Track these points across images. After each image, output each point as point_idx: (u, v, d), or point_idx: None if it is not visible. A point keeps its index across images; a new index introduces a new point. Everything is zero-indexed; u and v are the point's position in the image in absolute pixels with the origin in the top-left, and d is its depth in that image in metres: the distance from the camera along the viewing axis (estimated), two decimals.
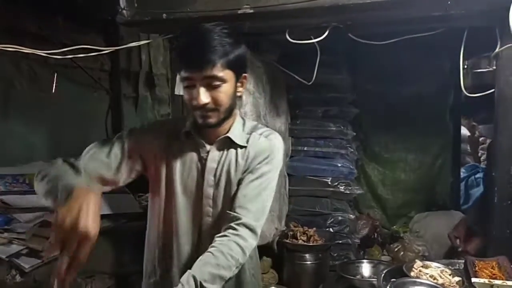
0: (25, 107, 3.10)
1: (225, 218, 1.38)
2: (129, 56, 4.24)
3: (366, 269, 2.41)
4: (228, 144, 1.42)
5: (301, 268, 2.60)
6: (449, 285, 1.64)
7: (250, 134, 1.45)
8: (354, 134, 2.93)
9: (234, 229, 1.31)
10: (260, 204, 1.38)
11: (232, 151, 1.43)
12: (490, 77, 2.87)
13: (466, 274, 1.75)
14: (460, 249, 2.52)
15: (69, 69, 3.53)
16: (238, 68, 1.34)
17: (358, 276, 2.28)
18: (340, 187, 2.83)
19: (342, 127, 2.85)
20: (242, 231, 1.31)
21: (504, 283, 1.61)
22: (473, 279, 1.65)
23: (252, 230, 1.33)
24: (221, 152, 1.43)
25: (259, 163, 1.41)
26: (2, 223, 2.29)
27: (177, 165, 1.43)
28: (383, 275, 1.72)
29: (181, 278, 1.22)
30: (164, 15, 1.87)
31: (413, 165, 3.33)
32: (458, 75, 3.48)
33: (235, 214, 1.34)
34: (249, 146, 1.42)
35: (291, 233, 2.69)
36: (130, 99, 4.44)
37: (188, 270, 1.23)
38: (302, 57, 2.50)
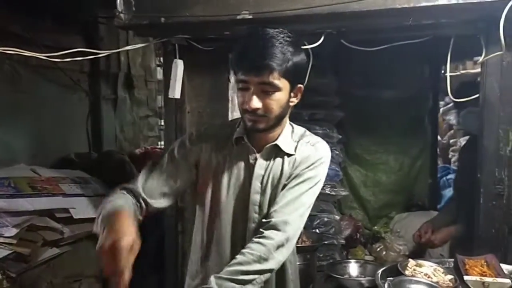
0: (5, 108, 3.03)
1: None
2: (108, 57, 4.19)
3: (353, 268, 2.47)
4: (276, 151, 1.45)
5: None
6: (443, 283, 1.71)
7: (298, 141, 1.46)
8: (340, 137, 2.99)
9: (261, 232, 1.35)
10: (296, 207, 1.39)
11: (280, 158, 1.45)
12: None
13: (457, 272, 1.82)
14: (423, 242, 2.56)
15: (49, 70, 3.47)
16: (295, 77, 1.35)
17: (346, 276, 2.34)
18: (326, 189, 2.89)
19: (328, 130, 2.91)
20: (267, 232, 1.34)
21: (495, 280, 1.69)
22: (465, 277, 1.72)
23: (278, 228, 1.34)
24: (269, 159, 1.45)
25: (303, 170, 1.41)
26: None
27: (226, 171, 1.45)
28: (379, 274, 1.77)
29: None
30: (162, 19, 1.88)
31: (393, 167, 3.43)
32: (437, 80, 3.65)
33: (268, 219, 1.37)
34: (296, 154, 1.44)
35: None
36: (109, 101, 4.39)
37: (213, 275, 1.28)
38: None
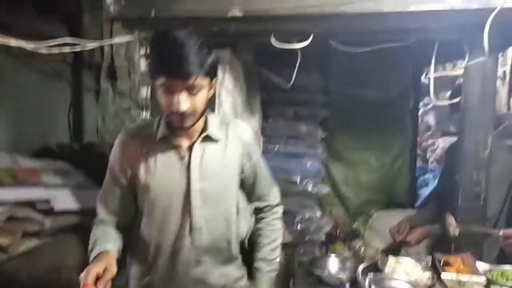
0: None
1: (221, 208, 1.56)
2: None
3: (333, 264, 2.51)
4: (208, 140, 1.53)
5: None
6: (421, 280, 1.76)
7: (226, 126, 1.57)
8: (324, 135, 3.03)
9: (266, 212, 1.72)
10: (268, 179, 1.71)
11: (211, 145, 1.53)
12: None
13: (434, 270, 1.88)
14: (399, 240, 2.61)
15: (31, 59, 3.40)
16: (213, 74, 1.44)
17: (325, 271, 2.38)
18: (308, 186, 2.93)
19: (312, 128, 2.95)
20: (274, 209, 1.73)
21: (470, 278, 1.75)
22: (442, 274, 1.78)
23: (276, 204, 1.74)
24: (202, 148, 1.52)
25: (250, 150, 1.61)
26: None
27: (157, 169, 1.51)
28: (361, 271, 1.81)
29: (254, 265, 1.68)
30: (153, 13, 1.87)
31: (374, 165, 3.48)
32: (418, 81, 3.72)
33: (263, 203, 1.72)
34: (232, 138, 1.57)
35: None
36: (91, 92, 4.33)
37: (257, 256, 1.68)
38: (276, 58, 2.57)
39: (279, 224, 1.74)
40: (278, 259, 1.72)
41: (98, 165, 3.44)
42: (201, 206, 1.52)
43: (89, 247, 1.54)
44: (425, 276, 1.81)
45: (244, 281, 1.71)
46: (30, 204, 2.48)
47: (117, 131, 5.32)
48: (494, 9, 1.72)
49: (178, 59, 1.32)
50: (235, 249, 1.66)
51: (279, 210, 1.75)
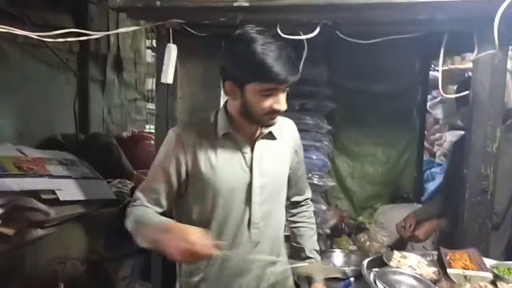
0: None
1: (274, 202, 1.63)
2: (97, 38, 4.12)
3: (337, 258, 2.51)
4: (269, 137, 1.61)
5: None
6: (427, 275, 1.74)
7: (280, 124, 1.62)
8: (330, 128, 3.00)
9: (305, 205, 1.88)
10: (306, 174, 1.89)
11: (270, 142, 1.61)
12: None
13: (440, 265, 1.86)
14: (407, 236, 2.60)
15: (37, 49, 3.41)
16: None
17: (330, 265, 2.37)
18: (314, 179, 2.90)
19: (318, 121, 2.91)
20: (310, 202, 1.90)
21: (477, 274, 1.73)
22: (448, 270, 1.76)
23: (311, 198, 1.91)
24: (264, 145, 1.60)
25: (298, 147, 1.73)
26: None
27: (219, 163, 1.54)
28: (365, 265, 1.80)
29: (306, 253, 1.83)
30: (158, 2, 1.85)
31: (381, 159, 3.44)
32: (426, 74, 3.68)
33: (302, 197, 1.85)
34: (286, 135, 1.67)
35: None
36: (97, 83, 4.34)
37: (306, 247, 1.84)
38: None
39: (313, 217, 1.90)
40: None
41: (103, 156, 3.47)
42: (260, 202, 1.57)
43: (139, 220, 1.51)
44: (431, 271, 1.79)
45: (291, 279, 1.81)
46: (36, 194, 2.50)
47: (123, 122, 5.41)
48: (505, 0, 1.68)
49: (286, 65, 1.39)
50: (283, 243, 1.74)
51: (312, 203, 1.92)
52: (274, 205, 1.63)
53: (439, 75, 2.10)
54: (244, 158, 1.57)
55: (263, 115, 1.47)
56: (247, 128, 1.56)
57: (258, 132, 1.59)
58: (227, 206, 1.55)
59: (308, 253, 1.84)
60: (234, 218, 1.56)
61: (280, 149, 1.64)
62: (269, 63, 1.37)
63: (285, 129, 1.68)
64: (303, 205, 1.87)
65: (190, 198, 1.60)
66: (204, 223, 1.55)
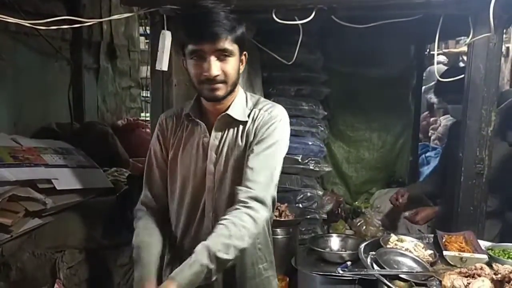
0: None
1: (232, 193, 1.42)
2: (90, 26, 4.08)
3: (334, 242, 2.52)
4: (229, 121, 1.46)
5: (273, 242, 2.67)
6: (423, 257, 1.76)
7: (252, 109, 1.48)
8: (325, 113, 3.00)
9: (245, 202, 1.35)
10: (268, 174, 1.40)
11: (234, 127, 1.47)
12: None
13: (436, 248, 1.88)
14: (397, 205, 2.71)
15: (30, 37, 3.37)
16: (242, 44, 1.42)
17: (327, 249, 2.39)
18: (310, 165, 2.92)
19: (314, 106, 2.92)
20: (252, 203, 1.35)
21: (472, 256, 1.75)
22: (444, 252, 1.78)
23: (262, 201, 1.36)
24: (223, 129, 1.47)
25: (262, 136, 1.42)
26: None
27: (183, 148, 1.50)
28: (362, 248, 1.82)
29: (195, 249, 1.28)
30: None
31: (376, 144, 3.47)
32: (421, 59, 3.68)
33: (244, 188, 1.37)
34: (252, 121, 1.46)
35: None
36: (91, 71, 4.30)
37: (202, 242, 1.29)
38: (277, 35, 2.53)
39: (249, 224, 1.34)
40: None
41: (99, 145, 3.46)
42: (213, 189, 1.48)
43: (134, 252, 1.47)
44: (427, 253, 1.81)
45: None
46: (32, 183, 2.49)
47: (118, 110, 5.36)
48: None
49: (207, 22, 1.32)
50: None
51: (261, 212, 1.37)
52: (230, 194, 1.46)
53: (434, 59, 2.11)
54: (203, 142, 1.47)
55: (198, 84, 1.39)
56: (211, 109, 1.47)
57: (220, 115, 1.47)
58: (183, 193, 1.51)
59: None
60: (189, 204, 1.51)
61: (243, 134, 1.46)
62: (189, 21, 1.35)
63: (253, 112, 1.47)
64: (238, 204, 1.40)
65: (169, 185, 1.58)
66: (174, 208, 1.56)
